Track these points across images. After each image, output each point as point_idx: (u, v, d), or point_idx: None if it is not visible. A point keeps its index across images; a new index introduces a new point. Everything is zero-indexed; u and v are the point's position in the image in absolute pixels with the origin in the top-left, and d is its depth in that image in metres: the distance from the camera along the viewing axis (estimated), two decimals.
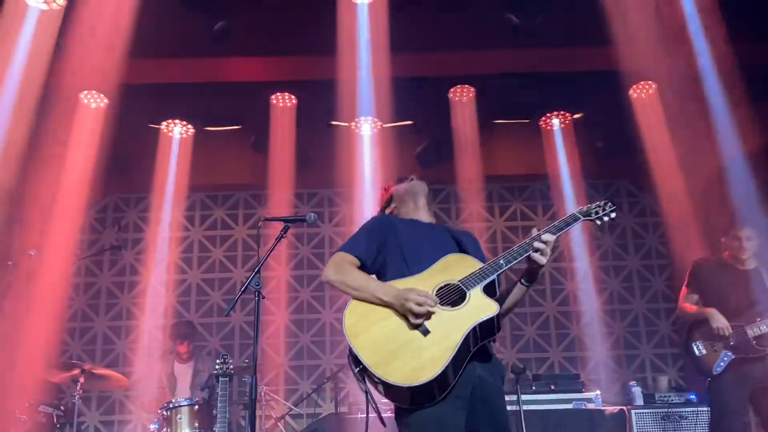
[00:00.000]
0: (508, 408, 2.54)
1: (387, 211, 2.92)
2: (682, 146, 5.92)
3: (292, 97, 6.47)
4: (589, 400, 5.29)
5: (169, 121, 6.79)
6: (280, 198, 6.75)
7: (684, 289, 4.36)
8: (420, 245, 2.62)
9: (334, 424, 5.34)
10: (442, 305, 2.39)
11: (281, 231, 3.12)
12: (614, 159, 6.94)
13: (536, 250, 2.42)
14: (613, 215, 2.61)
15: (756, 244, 4.14)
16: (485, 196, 7.17)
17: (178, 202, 6.98)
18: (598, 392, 5.39)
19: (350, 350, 2.36)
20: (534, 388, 5.31)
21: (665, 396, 5.29)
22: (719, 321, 4.00)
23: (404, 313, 2.37)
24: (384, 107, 5.87)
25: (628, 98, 6.24)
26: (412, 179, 2.91)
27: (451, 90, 6.50)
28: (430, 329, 2.34)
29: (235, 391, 6.09)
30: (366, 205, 6.72)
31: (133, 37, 5.18)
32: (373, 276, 2.61)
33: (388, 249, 2.63)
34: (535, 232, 2.47)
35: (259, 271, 2.99)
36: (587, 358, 6.99)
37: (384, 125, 6.55)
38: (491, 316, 2.35)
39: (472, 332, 2.33)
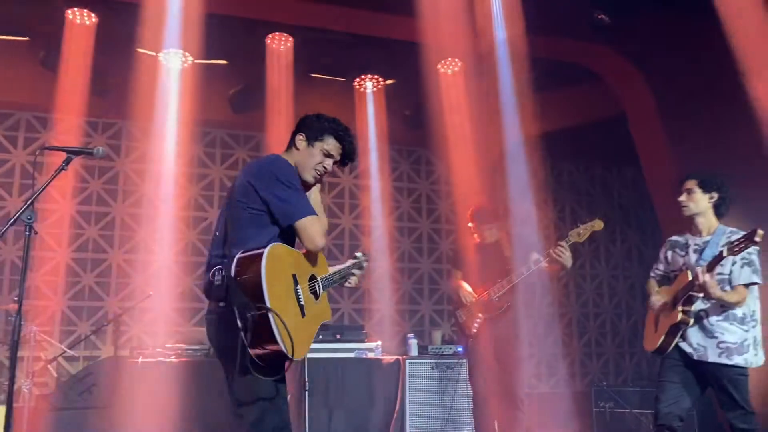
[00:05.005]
0: None
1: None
2: (478, 124, 6.44)
3: (92, 14, 5.87)
4: (370, 350, 5.68)
5: None
6: (70, 124, 6.15)
7: (453, 270, 5.04)
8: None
9: (113, 368, 5.13)
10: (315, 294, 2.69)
11: (63, 162, 2.88)
12: (419, 128, 7.33)
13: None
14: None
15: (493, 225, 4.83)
16: None
17: None
18: (379, 343, 5.80)
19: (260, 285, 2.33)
20: (321, 337, 5.55)
21: (437, 348, 5.83)
22: (461, 290, 4.74)
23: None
24: (195, 42, 5.56)
25: (436, 71, 6.59)
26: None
27: (269, 36, 6.36)
28: (305, 313, 2.56)
29: (1, 330, 5.55)
30: (168, 143, 6.38)
31: None
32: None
33: None
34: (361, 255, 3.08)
35: (32, 203, 2.74)
36: (374, 310, 7.44)
37: (195, 61, 6.23)
38: (326, 321, 2.83)
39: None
